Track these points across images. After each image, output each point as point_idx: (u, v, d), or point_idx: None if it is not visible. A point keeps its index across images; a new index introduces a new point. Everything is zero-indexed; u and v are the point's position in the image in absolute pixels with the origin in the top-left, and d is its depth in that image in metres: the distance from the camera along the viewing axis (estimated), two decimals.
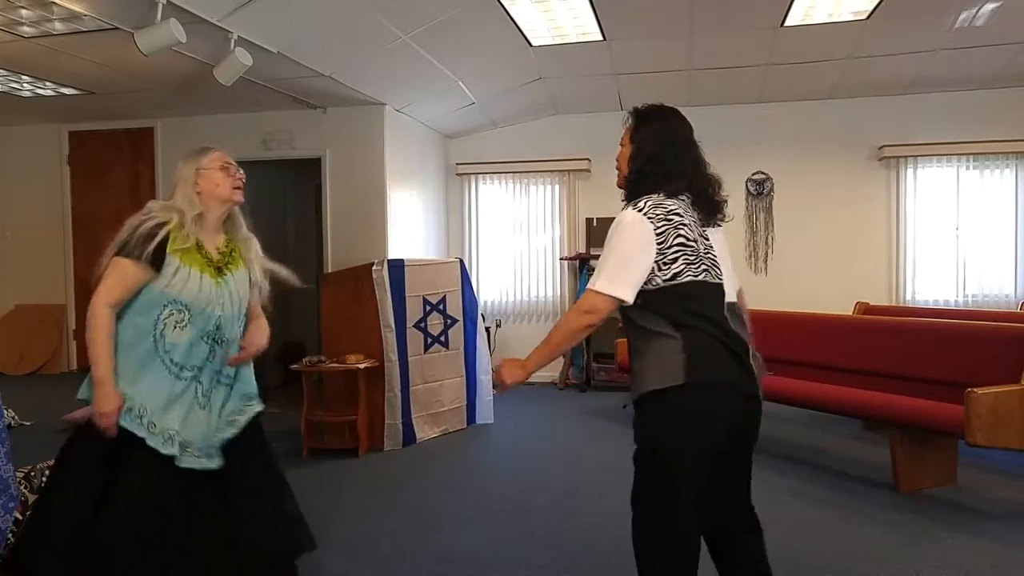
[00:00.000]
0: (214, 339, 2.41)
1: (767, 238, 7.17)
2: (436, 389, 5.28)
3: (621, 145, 2.18)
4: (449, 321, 5.35)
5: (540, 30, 5.32)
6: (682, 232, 1.99)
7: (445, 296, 5.33)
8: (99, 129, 7.02)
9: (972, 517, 3.50)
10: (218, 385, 2.45)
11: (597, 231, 7.36)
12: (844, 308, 6.27)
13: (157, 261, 2.36)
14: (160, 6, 3.83)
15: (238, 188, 2.51)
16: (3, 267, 7.28)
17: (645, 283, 1.98)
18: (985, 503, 3.70)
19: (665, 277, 1.97)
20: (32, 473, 3.27)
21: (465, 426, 5.49)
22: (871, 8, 4.96)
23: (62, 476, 2.34)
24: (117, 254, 2.41)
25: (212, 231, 2.49)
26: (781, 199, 7.15)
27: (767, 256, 7.17)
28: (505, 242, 7.68)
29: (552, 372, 7.38)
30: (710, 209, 2.10)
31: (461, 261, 5.58)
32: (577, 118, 7.42)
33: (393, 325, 4.97)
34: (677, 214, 2.00)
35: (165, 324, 2.34)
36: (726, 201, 2.15)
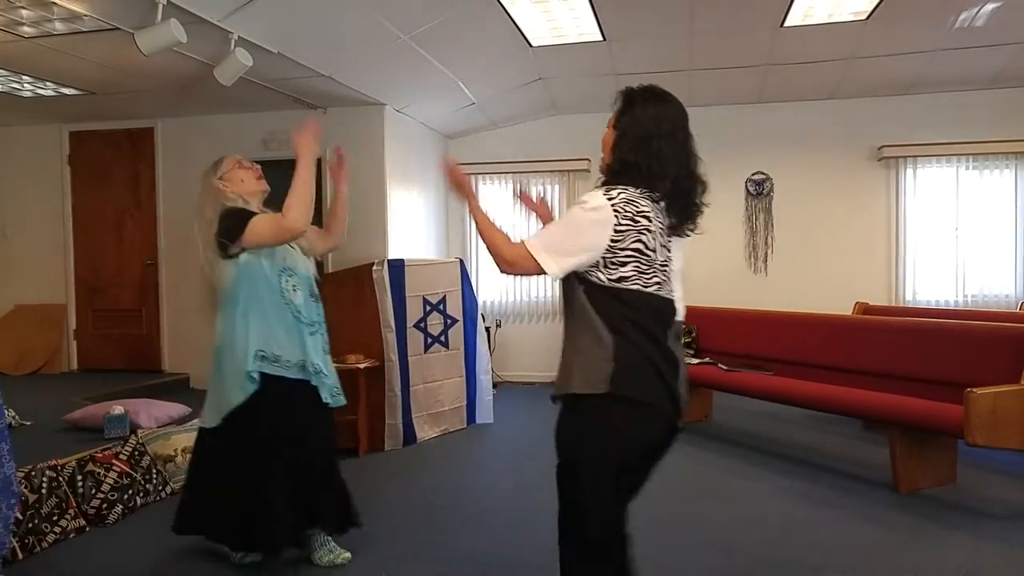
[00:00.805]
0: (313, 295, 2.94)
1: (767, 238, 7.17)
2: (436, 389, 5.29)
3: (607, 127, 2.02)
4: (449, 321, 5.35)
5: (540, 30, 5.32)
6: (643, 238, 1.87)
7: (445, 296, 5.34)
8: (99, 129, 7.01)
9: (972, 517, 3.51)
10: (324, 335, 2.96)
11: None
12: (844, 308, 6.28)
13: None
14: (160, 6, 3.83)
15: (261, 178, 3.02)
16: (3, 267, 7.28)
17: (587, 274, 1.89)
18: (985, 503, 3.70)
19: (611, 277, 1.87)
20: (32, 473, 3.27)
21: (465, 426, 5.49)
22: (871, 8, 4.96)
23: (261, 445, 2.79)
24: (242, 226, 2.73)
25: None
26: (781, 199, 7.15)
27: (767, 256, 7.17)
28: None
29: (552, 372, 7.37)
30: (684, 215, 1.95)
31: (461, 261, 5.59)
32: (577, 118, 7.42)
33: (393, 325, 4.98)
34: (646, 218, 1.87)
35: (286, 290, 2.82)
36: (702, 211, 1.99)
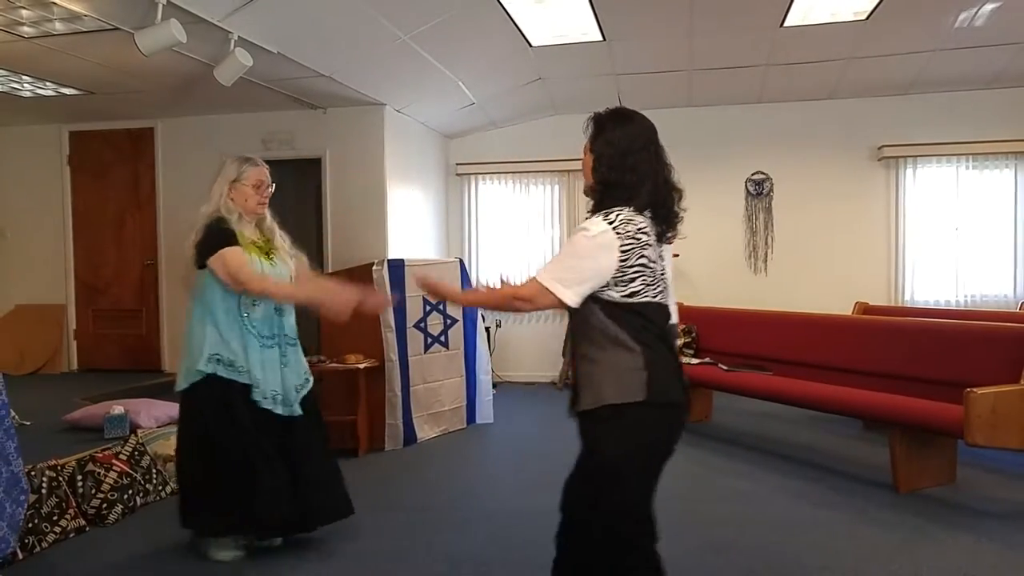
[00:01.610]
0: (278, 309, 3.07)
1: (767, 238, 7.17)
2: (436, 389, 5.28)
3: (583, 153, 2.13)
4: (449, 321, 5.35)
5: (540, 30, 5.32)
6: (646, 253, 1.98)
7: None
8: (99, 129, 7.02)
9: (972, 517, 3.50)
10: (288, 347, 3.10)
11: None
12: (844, 308, 6.28)
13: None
14: (160, 6, 3.83)
15: (262, 204, 3.12)
16: (3, 267, 7.28)
17: (600, 294, 1.98)
18: (985, 503, 3.70)
19: (622, 294, 1.97)
20: (33, 473, 3.27)
21: (465, 426, 5.49)
22: (871, 8, 4.96)
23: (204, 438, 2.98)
24: (215, 250, 2.91)
25: (250, 228, 3.08)
26: (781, 199, 7.15)
27: (767, 256, 7.17)
28: (505, 242, 7.68)
29: (552, 372, 7.38)
30: (666, 223, 2.05)
31: (461, 261, 5.59)
32: (577, 118, 7.24)
33: (393, 325, 4.98)
34: (645, 233, 1.98)
35: (245, 304, 2.96)
36: (681, 218, 2.09)
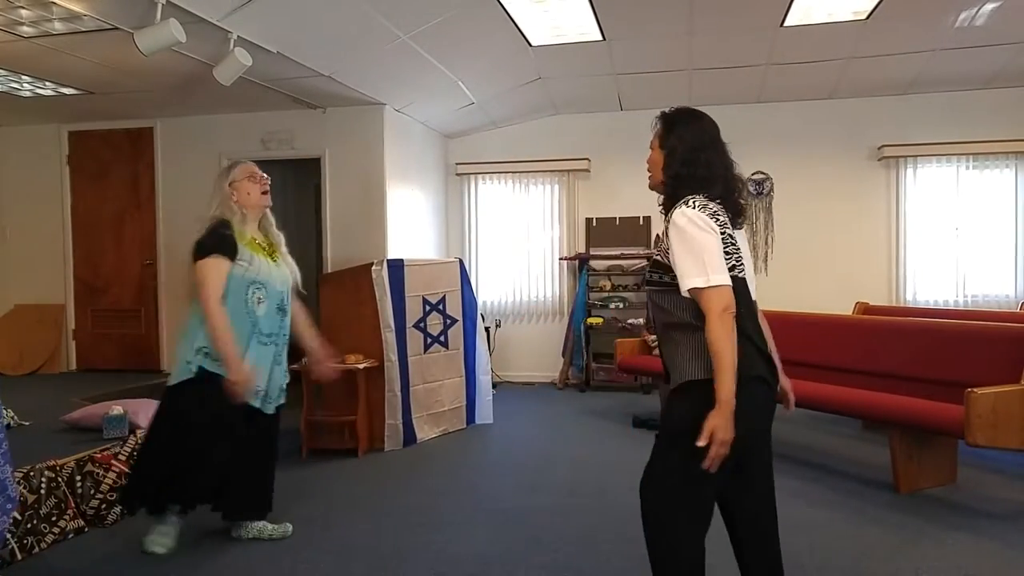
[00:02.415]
0: (280, 308, 3.17)
1: (767, 238, 7.17)
2: (436, 389, 5.28)
3: (651, 149, 2.21)
4: (449, 321, 5.35)
5: (540, 30, 5.32)
6: (727, 231, 2.05)
7: (445, 296, 5.33)
8: (99, 129, 7.01)
9: (972, 517, 3.50)
10: (283, 347, 3.21)
11: (597, 231, 7.35)
12: (844, 308, 6.27)
13: (232, 252, 3.02)
14: (160, 6, 3.83)
15: (265, 192, 3.20)
16: (3, 267, 7.28)
17: (669, 278, 2.04)
18: (985, 503, 3.70)
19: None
20: (31, 473, 3.27)
21: (465, 426, 5.49)
22: (871, 8, 4.96)
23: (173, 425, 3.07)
24: (202, 257, 2.98)
25: (253, 228, 3.16)
26: (781, 199, 7.15)
27: (767, 256, 7.17)
28: (505, 242, 7.68)
29: (552, 372, 7.38)
30: (736, 211, 2.15)
31: (461, 261, 5.58)
32: (577, 118, 7.43)
33: (393, 325, 4.97)
34: (719, 215, 2.05)
35: (250, 300, 3.04)
36: (748, 203, 2.18)
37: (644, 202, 6.28)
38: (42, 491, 3.26)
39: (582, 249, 7.44)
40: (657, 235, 2.13)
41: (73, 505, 3.38)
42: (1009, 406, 3.44)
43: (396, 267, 5.05)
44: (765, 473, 2.17)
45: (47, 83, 5.62)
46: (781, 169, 7.14)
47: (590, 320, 7.15)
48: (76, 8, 3.97)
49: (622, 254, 7.18)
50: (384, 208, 6.33)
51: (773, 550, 2.21)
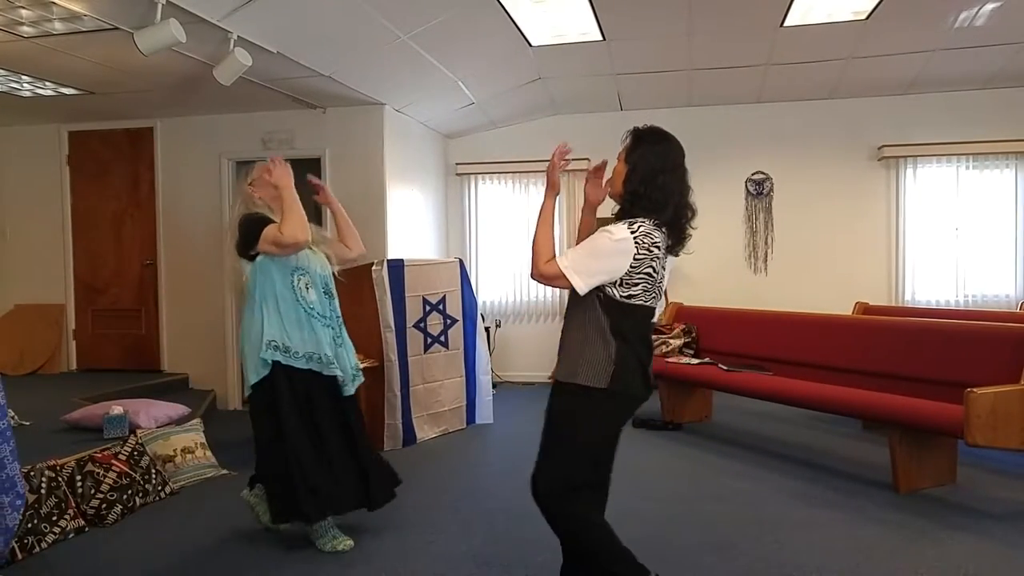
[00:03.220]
0: (327, 292, 3.24)
1: (767, 238, 7.17)
2: (436, 389, 5.28)
3: (618, 160, 2.36)
4: (449, 321, 5.35)
5: (540, 30, 5.32)
6: (653, 265, 2.25)
7: (445, 296, 5.33)
8: (99, 129, 7.01)
9: (972, 517, 3.50)
10: (341, 328, 3.28)
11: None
12: (844, 308, 6.28)
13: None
14: (160, 6, 3.83)
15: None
16: (3, 267, 7.27)
17: (602, 289, 2.25)
18: (985, 503, 3.70)
19: (622, 294, 2.25)
20: (32, 473, 3.27)
21: (465, 426, 5.49)
22: (871, 8, 4.96)
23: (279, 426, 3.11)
24: (257, 236, 3.02)
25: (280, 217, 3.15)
26: (781, 199, 7.15)
27: (767, 256, 7.17)
28: (505, 242, 7.68)
29: (550, 372, 7.37)
30: (677, 239, 2.32)
31: (461, 261, 5.59)
32: (577, 118, 7.42)
33: (393, 325, 4.97)
34: (657, 247, 2.25)
35: (299, 287, 3.12)
36: (690, 235, 2.36)
37: None
38: (42, 491, 3.27)
39: None
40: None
41: (73, 505, 3.39)
42: (1009, 406, 3.44)
43: (396, 267, 5.05)
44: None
45: (47, 83, 5.62)
46: (781, 169, 7.14)
47: None
48: (76, 8, 3.97)
49: None
50: (384, 208, 6.33)
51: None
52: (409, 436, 5.03)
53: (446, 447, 5.03)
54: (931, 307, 6.56)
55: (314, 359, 3.11)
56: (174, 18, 3.89)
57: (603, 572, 2.33)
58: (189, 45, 4.16)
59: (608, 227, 2.26)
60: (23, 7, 4.01)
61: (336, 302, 3.30)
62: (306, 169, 6.76)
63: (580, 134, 7.37)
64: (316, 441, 3.12)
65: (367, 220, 6.32)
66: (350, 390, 3.26)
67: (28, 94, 5.95)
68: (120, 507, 3.55)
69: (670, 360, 5.42)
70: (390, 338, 4.97)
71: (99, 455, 3.65)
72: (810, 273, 7.03)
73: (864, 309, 6.31)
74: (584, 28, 5.28)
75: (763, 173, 7.18)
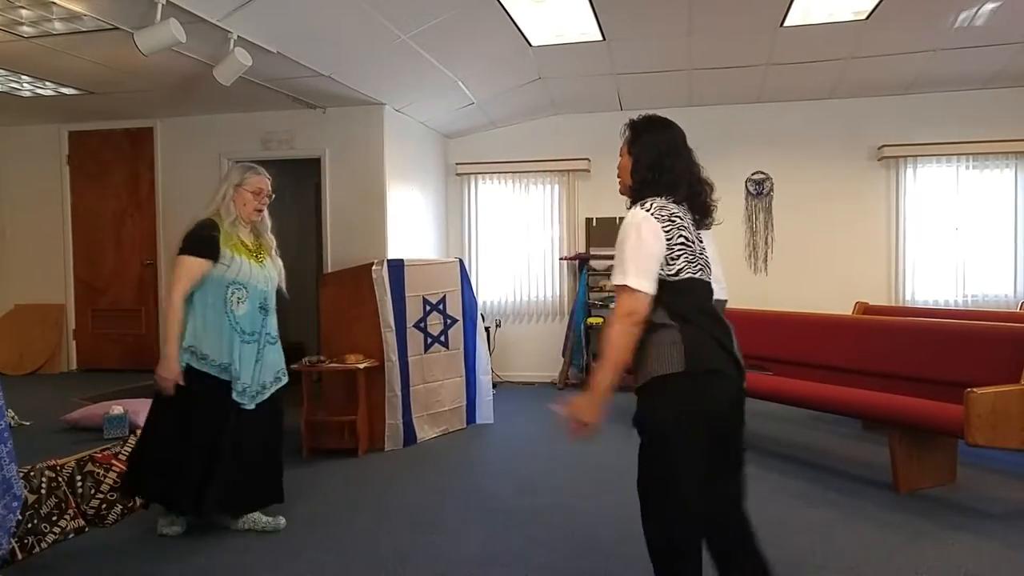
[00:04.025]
0: (263, 308, 3.28)
1: (767, 238, 7.17)
2: (436, 389, 5.28)
3: (620, 156, 2.30)
4: (449, 321, 5.35)
5: (540, 30, 5.32)
6: (683, 233, 2.13)
7: (445, 296, 5.33)
8: (99, 129, 7.02)
9: (972, 517, 3.50)
10: (268, 345, 3.32)
11: (597, 231, 7.35)
12: (844, 308, 6.28)
13: (213, 254, 3.15)
14: (160, 6, 3.83)
15: (258, 211, 3.32)
16: (3, 267, 7.28)
17: None
18: (985, 503, 3.70)
19: (669, 272, 2.10)
20: (32, 473, 3.27)
21: (465, 426, 5.49)
22: (871, 8, 4.96)
23: (161, 416, 3.23)
24: (182, 253, 3.15)
25: (244, 231, 3.28)
26: (781, 199, 7.15)
27: (767, 256, 7.17)
28: (505, 242, 7.68)
29: (552, 372, 7.38)
30: (703, 212, 2.26)
31: (461, 261, 5.58)
32: (577, 118, 7.42)
33: (393, 325, 4.97)
34: (678, 216, 2.15)
35: (230, 300, 3.16)
36: (716, 205, 2.29)
37: None
38: (42, 491, 3.26)
39: (582, 249, 7.44)
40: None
41: (73, 505, 3.38)
42: (1009, 406, 3.44)
43: (396, 267, 5.05)
44: (733, 474, 2.24)
45: (47, 83, 5.62)
46: (781, 169, 7.14)
47: (590, 320, 7.15)
48: (76, 8, 3.97)
49: None
50: (384, 208, 6.33)
51: (752, 555, 2.25)
52: (410, 436, 5.02)
53: (446, 447, 5.03)
54: (931, 307, 6.56)
55: (226, 370, 3.18)
56: (174, 18, 3.89)
57: None
58: (189, 45, 4.17)
59: (625, 220, 2.15)
60: (23, 7, 4.01)
61: (271, 319, 3.35)
62: (307, 169, 6.80)
63: (580, 134, 7.42)
64: (185, 437, 3.20)
65: (367, 220, 6.34)
66: (248, 405, 3.26)
67: (28, 94, 5.95)
68: (120, 507, 3.55)
69: None
70: (390, 338, 4.96)
71: (99, 455, 3.65)
72: (810, 273, 7.03)
73: (864, 309, 6.31)
74: (584, 28, 5.28)
75: (763, 173, 7.18)
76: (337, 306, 5.17)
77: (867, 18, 5.12)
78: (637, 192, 2.21)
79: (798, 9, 4.95)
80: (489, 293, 7.67)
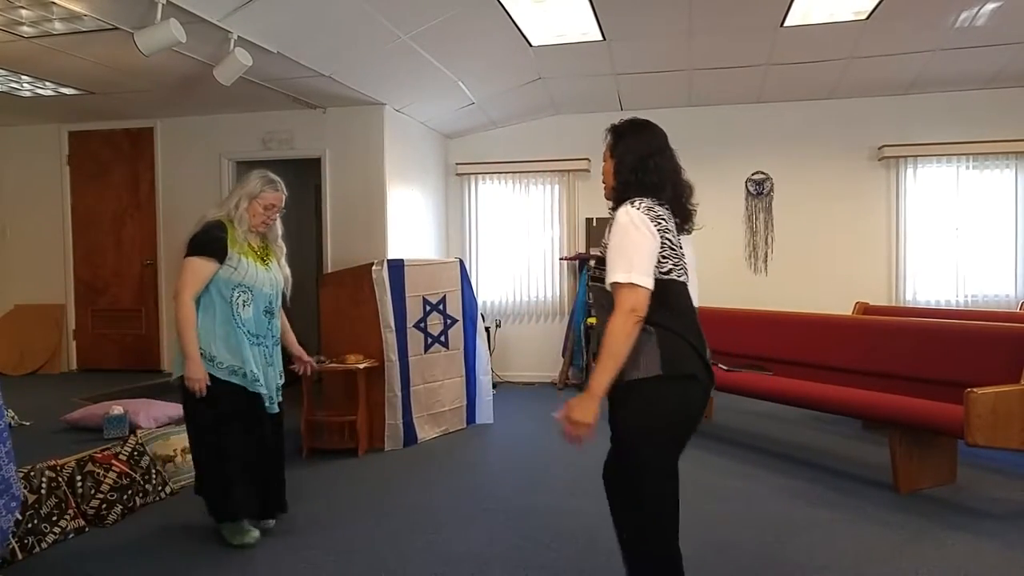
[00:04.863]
0: (268, 311, 3.28)
1: (767, 238, 7.17)
2: (436, 389, 5.28)
3: (604, 160, 2.32)
4: (449, 321, 5.35)
5: (540, 30, 5.32)
6: (669, 236, 2.14)
7: (445, 296, 5.33)
8: (99, 129, 7.02)
9: (972, 517, 3.50)
10: (274, 347, 3.33)
11: (597, 231, 7.35)
12: (844, 308, 6.28)
13: (221, 255, 3.14)
14: (160, 6, 3.83)
15: (265, 224, 3.30)
16: (3, 267, 7.28)
17: None
18: (985, 503, 3.70)
19: (661, 271, 2.11)
20: (32, 473, 3.27)
21: (465, 426, 5.49)
22: (871, 8, 4.96)
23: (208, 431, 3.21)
24: (189, 255, 3.13)
25: (252, 235, 3.27)
26: (781, 199, 7.15)
27: (767, 256, 7.17)
28: (505, 242, 7.68)
29: (552, 372, 7.38)
30: (684, 216, 2.25)
31: (461, 261, 5.58)
32: (577, 118, 7.42)
33: (393, 325, 4.97)
34: (664, 219, 2.15)
35: (236, 303, 3.16)
36: (695, 209, 2.28)
37: None
38: (43, 491, 3.27)
39: (582, 249, 7.44)
40: (605, 232, 2.21)
41: (73, 505, 3.38)
42: (1009, 406, 3.44)
43: (396, 267, 5.05)
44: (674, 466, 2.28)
45: (47, 83, 5.62)
46: (781, 169, 7.14)
47: (590, 320, 7.13)
48: (76, 8, 3.97)
49: None
50: (384, 208, 6.33)
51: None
52: (410, 436, 5.03)
53: (446, 447, 5.03)
54: (931, 307, 6.56)
55: (238, 374, 3.15)
56: (174, 18, 3.89)
57: None
58: (189, 45, 4.17)
59: (615, 219, 2.15)
60: (23, 7, 4.01)
61: (276, 321, 3.34)
62: (307, 169, 6.80)
63: (580, 134, 7.41)
64: (229, 450, 3.21)
65: (367, 220, 6.35)
66: (274, 408, 3.31)
67: (28, 94, 5.95)
68: (120, 507, 3.55)
69: None
70: (390, 338, 4.96)
71: (99, 455, 3.65)
72: (810, 273, 7.03)
73: (864, 309, 6.31)
74: (584, 28, 5.28)
75: (763, 173, 7.18)
76: (337, 306, 5.17)
77: (867, 18, 5.12)
78: (621, 194, 2.22)
79: (798, 9, 4.95)
80: (489, 293, 7.67)
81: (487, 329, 6.46)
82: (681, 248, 2.19)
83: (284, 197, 3.33)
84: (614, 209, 2.22)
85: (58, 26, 4.34)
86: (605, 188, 2.32)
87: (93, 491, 3.50)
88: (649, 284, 2.05)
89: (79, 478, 3.48)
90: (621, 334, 2.02)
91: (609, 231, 2.15)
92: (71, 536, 3.30)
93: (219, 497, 3.23)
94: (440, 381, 5.31)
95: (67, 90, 5.80)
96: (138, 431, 4.14)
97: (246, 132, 6.57)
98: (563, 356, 7.31)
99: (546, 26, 5.24)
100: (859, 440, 4.97)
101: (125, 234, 7.08)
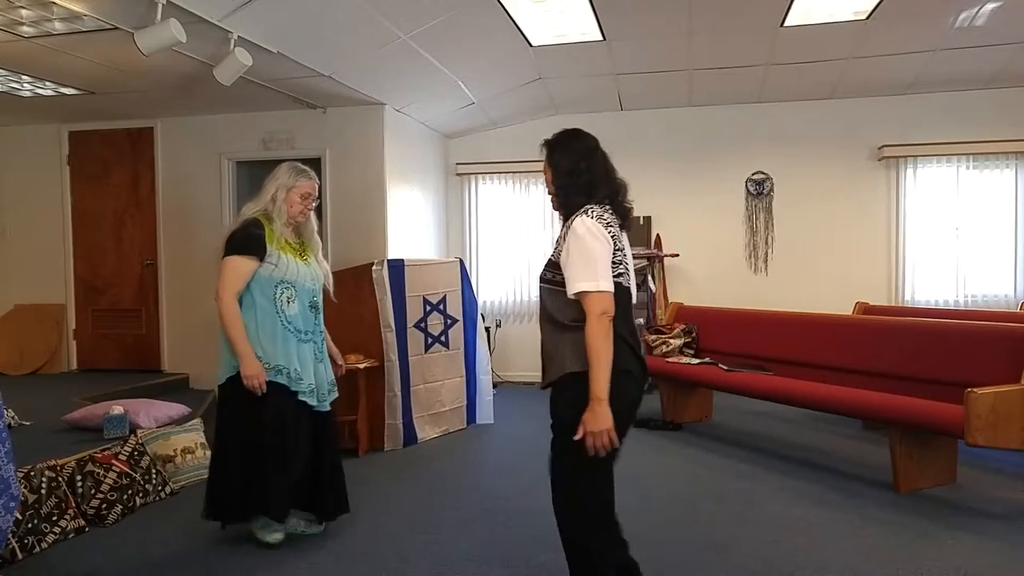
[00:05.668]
0: (313, 306, 3.23)
1: (767, 238, 7.17)
2: (436, 389, 5.28)
3: (543, 173, 2.48)
4: (449, 321, 5.35)
5: (540, 30, 5.32)
6: (617, 242, 2.29)
7: (445, 296, 5.34)
8: (99, 129, 7.01)
9: (972, 517, 3.51)
10: (323, 343, 3.30)
11: None
12: (844, 308, 6.27)
13: (260, 252, 3.08)
14: (160, 6, 3.83)
15: (304, 214, 3.27)
16: (3, 267, 7.28)
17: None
18: (985, 503, 3.70)
19: (613, 274, 2.24)
20: (32, 473, 3.27)
21: (465, 426, 5.49)
22: (871, 8, 4.96)
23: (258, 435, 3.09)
24: (228, 254, 3.07)
25: (288, 231, 3.22)
26: (781, 199, 7.15)
27: (767, 256, 7.17)
28: (505, 242, 7.68)
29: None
30: (623, 214, 2.39)
31: (461, 261, 5.58)
32: (577, 118, 7.37)
33: (393, 325, 4.97)
34: (612, 224, 2.30)
35: (279, 300, 3.10)
36: (632, 207, 2.44)
37: (644, 202, 6.28)
38: (43, 491, 3.26)
39: None
40: (557, 239, 2.30)
41: (74, 505, 3.39)
42: (1009, 406, 3.44)
43: (396, 267, 5.05)
44: (614, 457, 2.34)
45: (47, 83, 5.62)
46: (781, 169, 7.13)
47: None
48: (76, 8, 3.97)
49: None
50: (384, 208, 6.33)
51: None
52: (410, 436, 5.03)
53: (446, 447, 5.03)
54: (931, 307, 6.56)
55: (283, 373, 3.09)
56: (174, 18, 3.89)
57: None
58: (189, 45, 4.17)
59: (572, 229, 2.26)
60: (23, 7, 4.01)
61: (321, 317, 3.29)
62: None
63: None
64: (286, 451, 3.13)
65: (367, 220, 6.34)
66: (324, 406, 3.25)
67: (28, 94, 5.95)
68: (120, 507, 3.55)
69: (670, 360, 5.41)
70: (390, 338, 4.97)
71: (99, 455, 3.65)
72: (810, 273, 7.03)
73: (864, 309, 6.31)
74: (584, 28, 5.28)
75: (763, 173, 7.17)
76: (337, 306, 5.15)
77: (867, 18, 5.12)
78: (563, 199, 2.38)
79: (798, 9, 4.95)
80: (489, 293, 7.67)
81: (487, 329, 6.46)
82: (624, 249, 2.34)
83: (317, 185, 3.29)
84: (561, 214, 2.40)
85: (58, 26, 4.33)
86: (552, 200, 2.47)
87: (93, 491, 3.50)
88: (611, 287, 2.20)
89: (79, 478, 3.48)
90: (600, 336, 2.16)
91: (564, 239, 2.29)
92: (71, 536, 3.30)
93: (259, 494, 3.10)
94: (440, 381, 5.31)
95: (67, 90, 5.80)
96: (138, 431, 4.14)
97: (246, 132, 6.57)
98: None
99: (546, 26, 5.25)
100: (859, 440, 4.97)
101: (125, 234, 7.08)
